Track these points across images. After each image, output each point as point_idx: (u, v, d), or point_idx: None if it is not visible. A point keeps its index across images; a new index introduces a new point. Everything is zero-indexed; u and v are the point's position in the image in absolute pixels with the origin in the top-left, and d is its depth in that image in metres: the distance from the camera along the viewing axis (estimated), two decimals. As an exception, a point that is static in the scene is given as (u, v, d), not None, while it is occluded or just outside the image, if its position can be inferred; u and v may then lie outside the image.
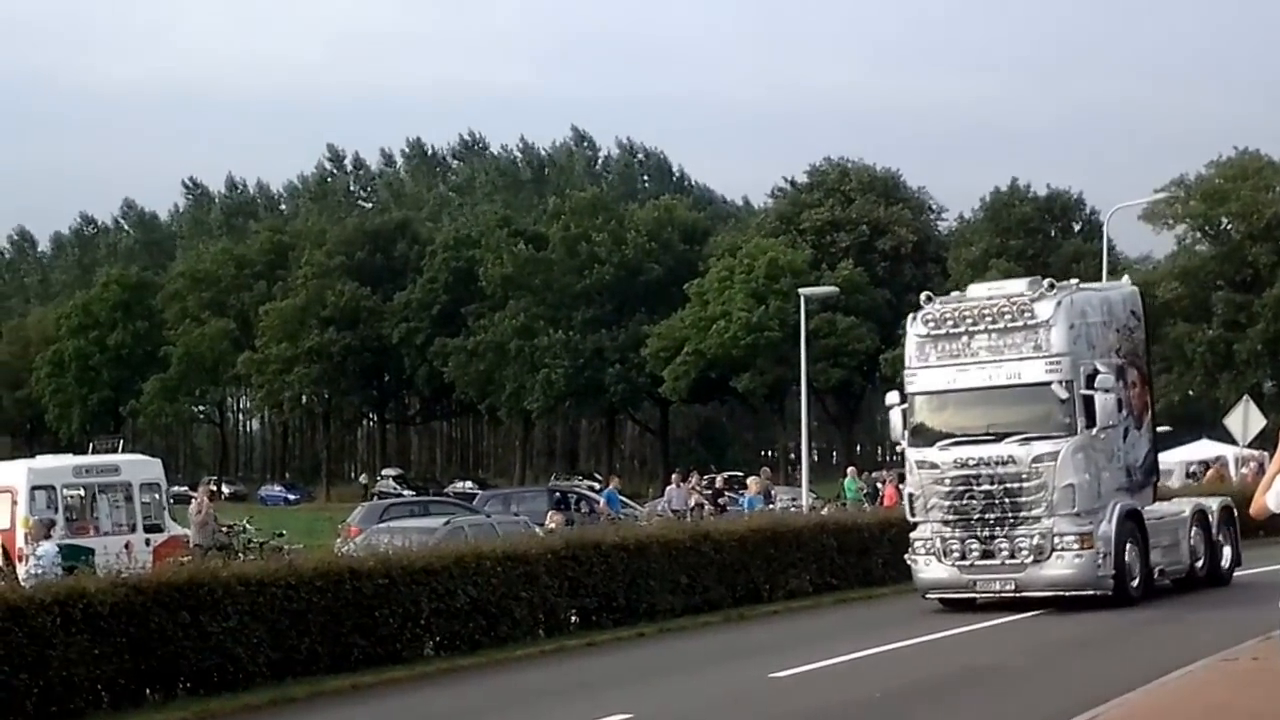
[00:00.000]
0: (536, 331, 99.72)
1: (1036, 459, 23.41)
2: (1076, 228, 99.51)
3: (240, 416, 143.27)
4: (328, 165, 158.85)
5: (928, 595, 24.65)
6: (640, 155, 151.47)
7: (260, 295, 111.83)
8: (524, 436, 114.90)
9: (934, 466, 24.11)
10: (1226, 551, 27.36)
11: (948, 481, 23.95)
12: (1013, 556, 23.51)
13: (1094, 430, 23.60)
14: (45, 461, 37.77)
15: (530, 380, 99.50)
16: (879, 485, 45.81)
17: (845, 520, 31.58)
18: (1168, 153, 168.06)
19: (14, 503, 31.82)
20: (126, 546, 31.69)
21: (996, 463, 23.62)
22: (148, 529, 34.43)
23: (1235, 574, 27.26)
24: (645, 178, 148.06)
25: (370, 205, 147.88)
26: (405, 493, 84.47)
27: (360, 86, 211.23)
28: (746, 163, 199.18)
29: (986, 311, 24.06)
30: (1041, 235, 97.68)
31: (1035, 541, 23.35)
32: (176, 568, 20.07)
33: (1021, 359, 23.70)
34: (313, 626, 19.34)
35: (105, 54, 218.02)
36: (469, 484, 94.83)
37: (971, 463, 23.77)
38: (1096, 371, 23.74)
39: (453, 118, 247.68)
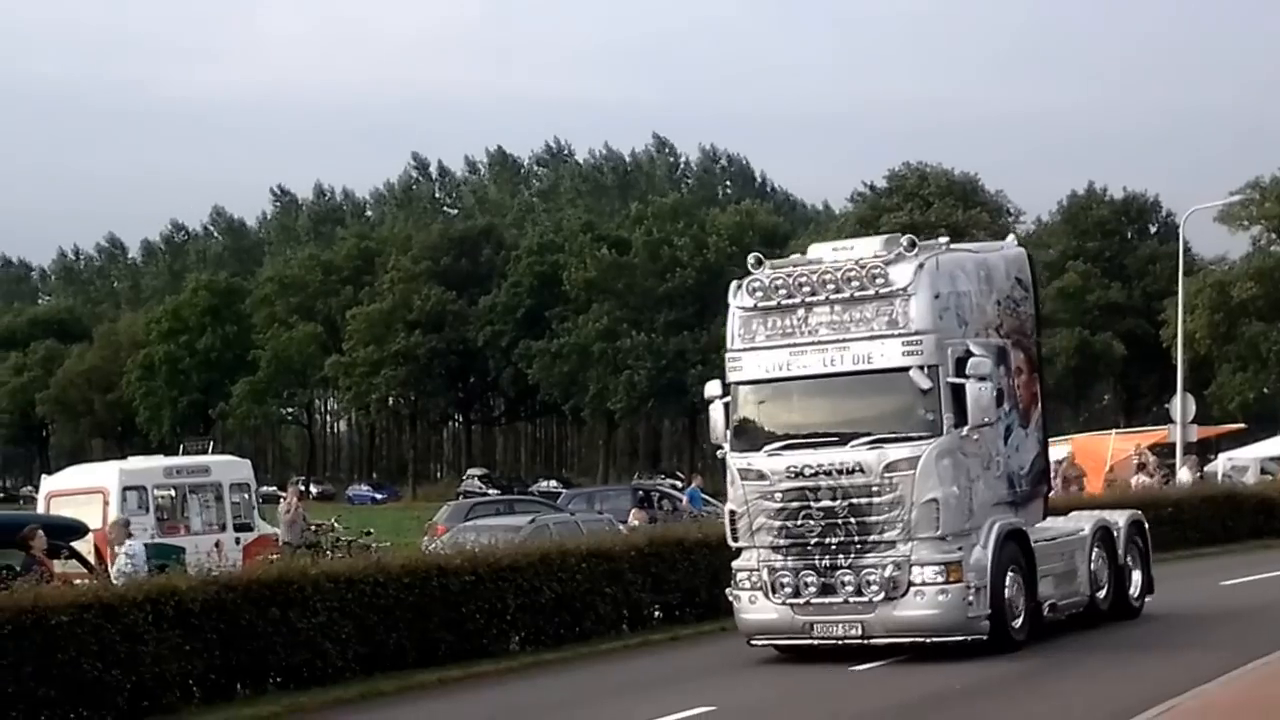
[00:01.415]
0: (619, 334, 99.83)
1: (890, 467, 18.23)
2: (1153, 229, 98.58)
3: (328, 418, 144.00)
4: (413, 173, 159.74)
5: (753, 641, 19.41)
6: (723, 161, 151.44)
7: (347, 300, 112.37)
8: (607, 436, 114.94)
9: (761, 477, 18.80)
10: (1136, 577, 21.98)
11: (778, 496, 18.67)
12: (859, 593, 18.28)
13: (965, 429, 18.32)
14: (137, 463, 38.09)
15: (613, 381, 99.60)
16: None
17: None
18: (1244, 155, 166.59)
19: (106, 503, 32.06)
20: (217, 545, 31.86)
21: (839, 472, 18.38)
22: (237, 528, 34.63)
23: (1147, 602, 22.12)
24: (728, 183, 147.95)
25: (455, 212, 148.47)
26: (490, 492, 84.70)
27: (443, 96, 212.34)
28: (826, 168, 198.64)
29: (829, 278, 18.68)
30: (1118, 237, 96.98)
31: (888, 573, 18.16)
32: (266, 565, 20.17)
33: (872, 338, 18.50)
34: (400, 622, 19.38)
35: (196, 64, 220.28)
36: (553, 483, 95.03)
37: (808, 472, 18.51)
38: (969, 354, 18.51)
39: (535, 126, 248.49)
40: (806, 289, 18.79)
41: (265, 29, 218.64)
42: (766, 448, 18.93)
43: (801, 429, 19.09)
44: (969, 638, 18.22)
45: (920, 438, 18.25)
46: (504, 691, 18.62)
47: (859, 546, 18.34)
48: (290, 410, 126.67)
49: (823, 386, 18.96)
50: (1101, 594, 21.04)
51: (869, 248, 19.34)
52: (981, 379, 18.35)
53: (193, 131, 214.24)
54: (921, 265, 18.54)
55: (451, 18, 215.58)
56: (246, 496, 35.84)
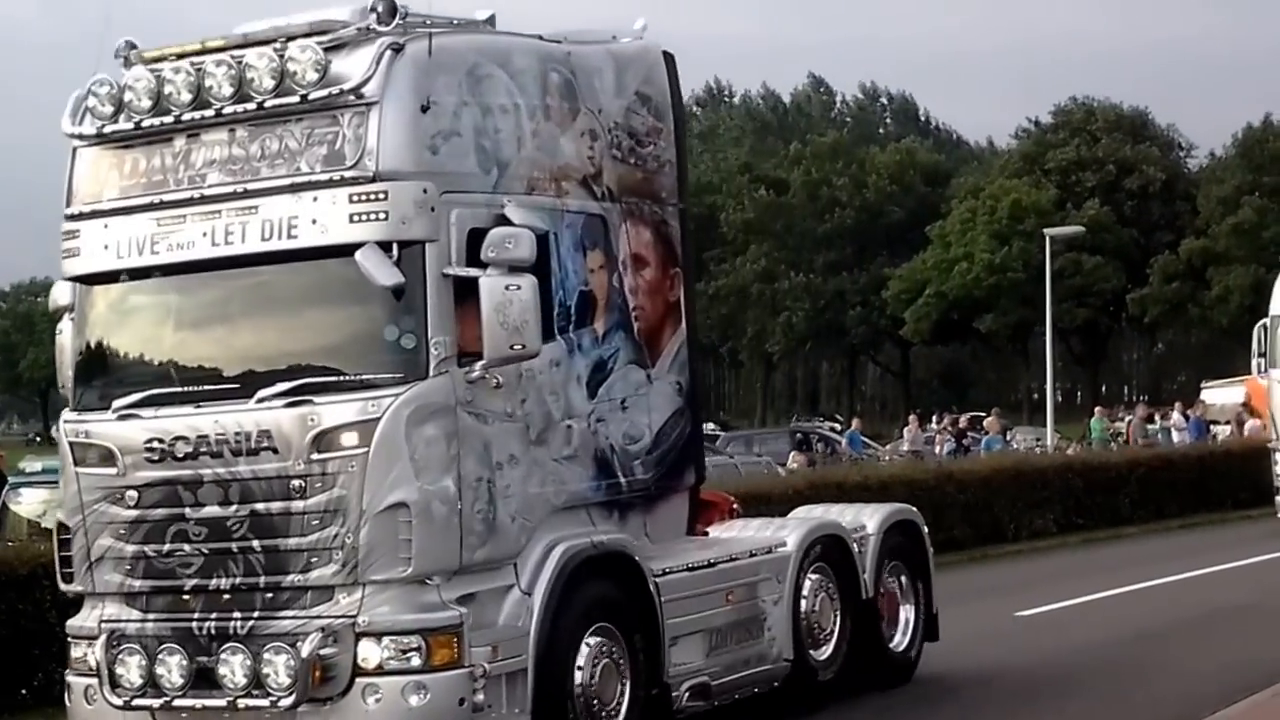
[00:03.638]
0: (778, 275, 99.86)
1: (323, 440, 9.77)
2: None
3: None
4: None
5: None
6: (883, 98, 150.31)
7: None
8: (765, 379, 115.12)
9: (107, 459, 10.33)
10: (903, 616, 13.98)
11: (132, 497, 10.22)
12: (259, 687, 9.90)
13: (477, 366, 9.90)
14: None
15: (771, 323, 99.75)
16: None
17: (1091, 459, 31.37)
18: None
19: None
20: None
21: (233, 451, 9.95)
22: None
23: (930, 649, 14.39)
24: (888, 120, 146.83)
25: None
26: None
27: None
28: (990, 103, 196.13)
29: (229, 75, 10.07)
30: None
31: (309, 650, 9.68)
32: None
33: (297, 187, 9.94)
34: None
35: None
36: (711, 426, 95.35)
37: (181, 451, 10.06)
38: (501, 221, 10.14)
39: (694, 69, 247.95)
40: (187, 97, 10.15)
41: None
42: (117, 403, 10.37)
43: (173, 368, 10.48)
44: None
45: (383, 384, 9.77)
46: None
47: (268, 597, 9.89)
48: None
49: (210, 284, 10.38)
50: (823, 653, 12.89)
51: (310, 18, 10.27)
52: (514, 269, 9.82)
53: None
54: (398, 50, 9.86)
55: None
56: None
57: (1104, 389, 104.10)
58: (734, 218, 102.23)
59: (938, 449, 40.20)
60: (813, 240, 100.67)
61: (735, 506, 13.88)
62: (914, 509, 14.63)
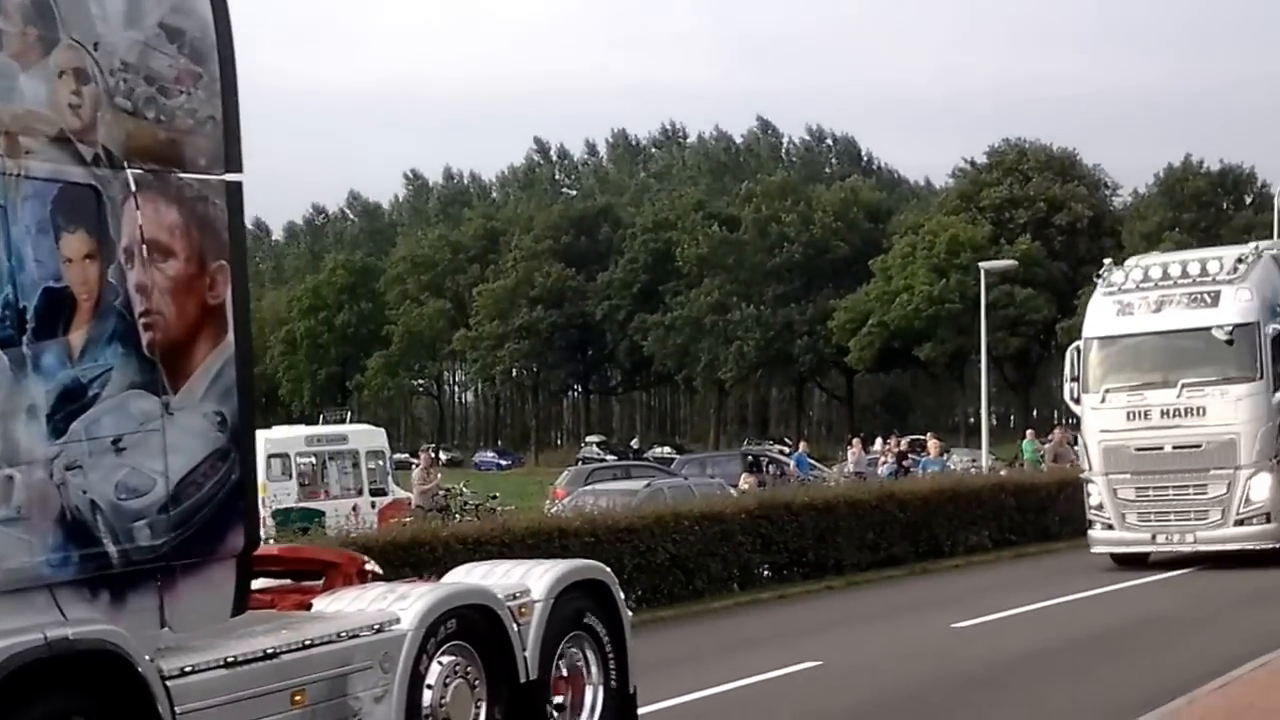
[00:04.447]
0: (730, 307, 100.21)
1: None
2: (1248, 200, 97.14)
3: (456, 389, 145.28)
4: (535, 156, 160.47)
5: None
6: (828, 140, 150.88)
7: (474, 278, 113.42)
8: (718, 404, 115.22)
9: None
10: (589, 699, 10.66)
11: None
12: None
13: None
14: (280, 432, 38.83)
15: (724, 352, 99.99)
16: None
17: (1023, 480, 31.49)
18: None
19: (253, 469, 32.63)
20: (354, 509, 32.41)
21: None
22: (373, 493, 35.22)
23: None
24: (834, 160, 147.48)
25: (574, 192, 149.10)
26: (608, 457, 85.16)
27: (563, 83, 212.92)
28: (928, 144, 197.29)
29: None
30: (1214, 208, 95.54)
31: None
32: (400, 528, 20.47)
33: None
34: (525, 581, 19.38)
35: (332, 55, 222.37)
36: (667, 449, 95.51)
37: None
38: None
39: (650, 112, 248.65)
40: None
41: (388, 21, 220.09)
42: None
43: None
44: None
45: None
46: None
47: None
48: (421, 382, 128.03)
49: None
50: None
51: None
52: None
53: (330, 120, 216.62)
54: None
55: (558, 5, 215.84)
56: (381, 463, 36.41)
57: (1035, 413, 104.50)
58: (689, 253, 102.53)
59: (880, 470, 40.20)
60: (763, 274, 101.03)
61: (370, 568, 10.72)
62: (603, 566, 11.33)
